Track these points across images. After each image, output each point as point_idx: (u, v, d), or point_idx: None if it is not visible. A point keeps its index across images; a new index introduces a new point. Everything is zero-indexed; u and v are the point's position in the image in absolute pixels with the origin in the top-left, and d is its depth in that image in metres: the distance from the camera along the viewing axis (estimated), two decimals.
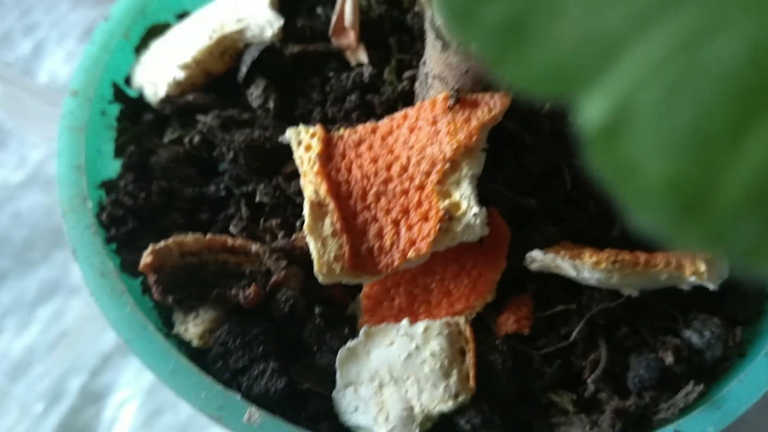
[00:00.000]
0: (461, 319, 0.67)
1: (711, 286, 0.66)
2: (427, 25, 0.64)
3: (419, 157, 0.65)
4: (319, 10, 0.80)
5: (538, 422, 0.67)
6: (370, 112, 0.73)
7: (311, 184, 0.65)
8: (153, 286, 0.67)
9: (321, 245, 0.63)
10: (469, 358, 0.65)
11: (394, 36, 0.78)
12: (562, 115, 0.72)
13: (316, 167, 0.66)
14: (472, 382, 0.65)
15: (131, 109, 0.78)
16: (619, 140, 0.27)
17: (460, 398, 0.64)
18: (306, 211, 0.64)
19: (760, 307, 0.72)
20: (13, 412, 1.01)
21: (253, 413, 0.62)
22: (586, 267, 0.65)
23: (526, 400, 0.68)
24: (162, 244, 0.67)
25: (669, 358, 0.67)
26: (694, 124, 0.27)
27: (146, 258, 0.66)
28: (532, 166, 0.70)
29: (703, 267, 0.65)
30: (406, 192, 0.65)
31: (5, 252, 1.11)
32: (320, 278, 0.63)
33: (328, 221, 0.64)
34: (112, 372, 1.04)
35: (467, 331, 0.66)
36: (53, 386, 1.02)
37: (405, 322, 0.66)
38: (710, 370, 0.69)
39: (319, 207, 0.65)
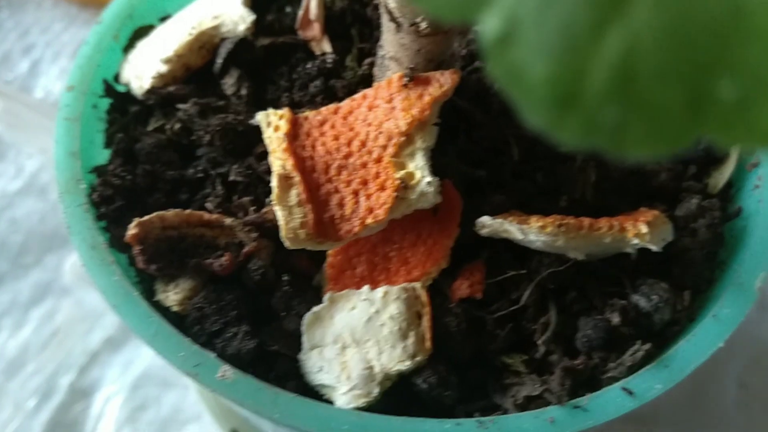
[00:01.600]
0: (418, 285, 0.66)
1: (654, 248, 0.65)
2: (381, 9, 0.65)
3: (377, 132, 0.65)
4: (288, 7, 0.81)
5: (492, 383, 0.66)
6: (332, 95, 0.73)
7: (279, 160, 0.65)
8: (137, 255, 0.67)
9: (287, 213, 0.63)
10: (425, 321, 0.65)
11: (356, 27, 0.78)
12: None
13: (284, 145, 0.66)
14: (428, 344, 0.64)
15: (120, 102, 0.79)
16: (508, 49, 0.29)
17: (417, 358, 0.64)
18: (274, 183, 0.64)
19: (710, 274, 0.71)
20: (7, 407, 1.01)
21: (227, 370, 0.62)
22: (532, 231, 0.64)
23: (481, 363, 0.67)
24: (146, 217, 0.67)
25: (615, 319, 0.66)
26: (563, 27, 0.29)
27: (132, 230, 0.67)
28: (482, 141, 0.70)
29: (645, 229, 0.64)
30: (365, 165, 0.65)
31: (2, 256, 1.11)
32: (286, 243, 0.63)
33: (294, 192, 0.64)
34: (99, 369, 1.04)
35: (423, 296, 0.66)
36: (45, 383, 1.02)
37: (366, 288, 0.66)
38: (660, 333, 0.68)
39: (285, 180, 0.65)
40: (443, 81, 0.66)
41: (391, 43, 0.66)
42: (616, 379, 0.64)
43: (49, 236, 1.13)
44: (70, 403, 1.02)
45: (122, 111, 0.78)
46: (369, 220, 0.63)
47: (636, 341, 0.65)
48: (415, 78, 0.66)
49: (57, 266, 1.11)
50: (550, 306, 0.67)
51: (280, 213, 0.63)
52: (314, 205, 0.64)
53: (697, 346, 0.65)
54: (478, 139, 0.70)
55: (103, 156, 0.76)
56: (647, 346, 0.65)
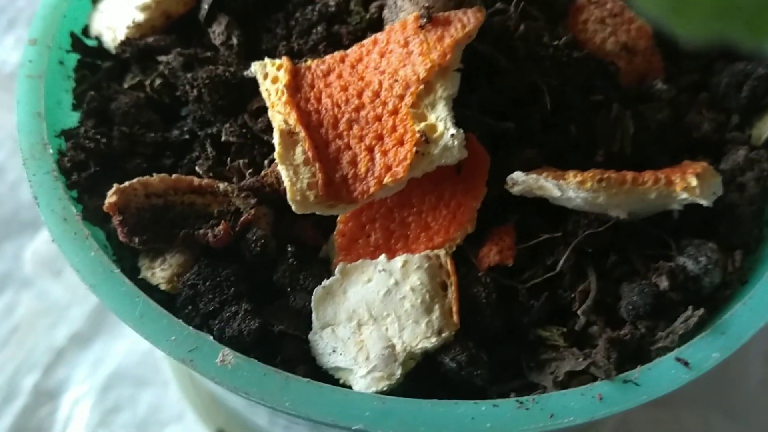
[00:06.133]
0: (441, 252, 0.63)
1: (704, 203, 0.62)
2: None
3: (391, 80, 0.61)
4: None
5: (526, 359, 0.63)
6: (337, 43, 0.69)
7: (280, 114, 0.61)
8: (118, 227, 0.62)
9: (293, 173, 0.59)
10: (452, 293, 0.61)
11: None
12: (538, 36, 0.69)
13: (285, 97, 0.62)
14: (455, 318, 0.61)
15: (89, 58, 0.74)
16: None
17: (444, 334, 0.60)
18: (276, 139, 0.60)
19: (759, 232, 0.69)
20: None
21: (227, 354, 0.58)
22: (570, 187, 0.61)
23: (513, 336, 0.64)
24: (127, 184, 0.63)
25: (664, 283, 0.63)
26: None
27: (110, 197, 0.62)
28: (507, 90, 0.67)
29: (695, 181, 0.61)
30: (379, 118, 0.61)
31: None
32: (294, 207, 0.59)
33: (299, 149, 0.60)
34: (66, 368, 1.00)
35: (448, 264, 0.62)
36: (5, 385, 0.98)
37: (382, 257, 0.62)
38: (710, 298, 0.65)
39: (289, 135, 0.61)
40: (466, 21, 0.62)
41: None
42: (666, 350, 0.61)
43: (6, 221, 1.08)
44: (34, 406, 0.98)
45: (92, 67, 0.74)
46: (387, 179, 0.59)
47: (685, 307, 0.63)
48: (433, 18, 0.62)
49: (16, 255, 1.07)
50: (589, 272, 0.64)
51: (285, 173, 0.59)
52: (323, 164, 0.60)
53: (754, 310, 0.62)
54: (503, 89, 0.67)
55: (71, 119, 0.71)
56: (700, 311, 0.62)
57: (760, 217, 0.69)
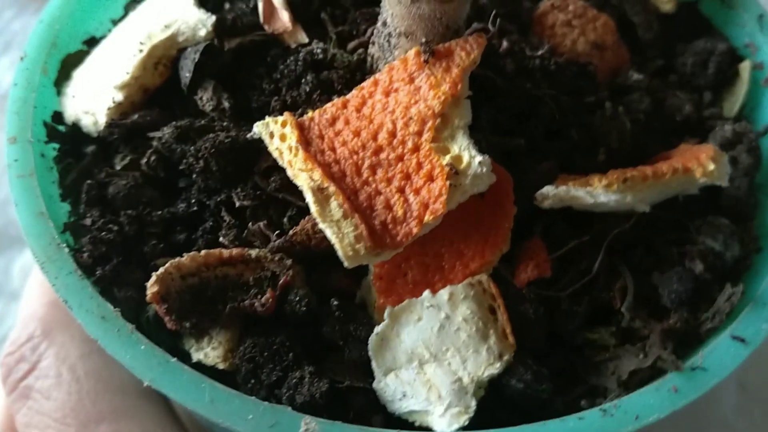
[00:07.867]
0: (483, 277, 0.63)
1: (723, 183, 0.65)
2: None
3: (405, 119, 0.62)
4: (240, 2, 0.76)
5: (581, 364, 0.65)
6: (330, 89, 0.68)
7: (303, 172, 0.61)
8: (164, 315, 0.61)
9: (336, 229, 0.59)
10: (501, 314, 0.62)
11: (326, 11, 0.74)
12: (521, 51, 0.71)
13: (301, 154, 0.61)
14: (511, 339, 0.62)
15: (69, 145, 0.71)
16: None
17: (505, 357, 0.61)
18: (309, 199, 0.59)
19: (754, 200, 0.72)
20: None
21: (309, 422, 0.57)
22: (599, 191, 0.63)
23: (560, 344, 0.65)
24: (162, 270, 0.61)
25: (698, 267, 0.66)
26: None
27: (152, 287, 0.61)
28: (508, 107, 0.68)
29: (712, 166, 0.64)
30: (401, 158, 0.61)
31: None
32: (347, 262, 0.59)
33: (334, 204, 0.59)
34: None
35: (492, 288, 0.63)
36: None
37: (427, 293, 0.63)
38: (733, 270, 0.68)
39: (320, 192, 0.60)
40: (469, 48, 0.63)
41: (402, 18, 0.63)
42: (714, 330, 0.64)
43: None
44: None
45: (75, 154, 0.71)
46: (427, 218, 0.59)
47: (719, 286, 0.66)
48: (435, 51, 0.62)
49: (5, 269, 1.09)
50: (621, 269, 0.66)
51: (328, 231, 0.59)
52: (360, 214, 0.60)
53: None
54: (504, 106, 0.68)
55: (63, 210, 0.68)
56: (740, 288, 0.65)
57: (750, 187, 0.73)
